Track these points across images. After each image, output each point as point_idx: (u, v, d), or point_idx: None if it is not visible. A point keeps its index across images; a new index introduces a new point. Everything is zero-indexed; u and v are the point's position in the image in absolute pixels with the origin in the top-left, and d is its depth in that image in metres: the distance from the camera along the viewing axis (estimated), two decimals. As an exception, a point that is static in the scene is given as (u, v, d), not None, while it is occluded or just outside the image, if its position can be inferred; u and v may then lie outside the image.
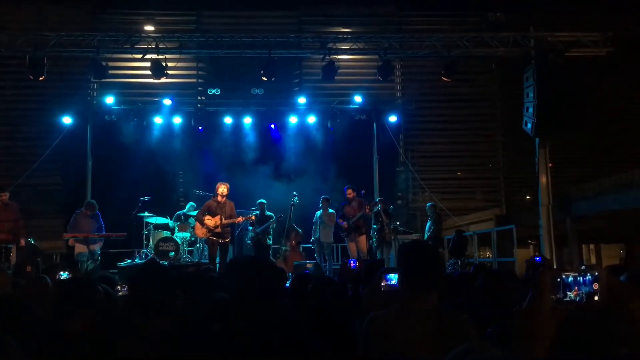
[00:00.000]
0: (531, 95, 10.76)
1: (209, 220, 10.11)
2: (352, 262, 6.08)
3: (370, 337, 2.50)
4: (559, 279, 1.12)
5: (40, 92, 14.12)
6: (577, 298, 1.11)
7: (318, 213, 11.32)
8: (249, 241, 11.38)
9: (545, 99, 10.52)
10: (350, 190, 10.95)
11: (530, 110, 10.77)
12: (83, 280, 3.07)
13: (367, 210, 10.67)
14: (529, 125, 10.88)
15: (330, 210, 11.21)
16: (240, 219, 10.47)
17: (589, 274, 1.12)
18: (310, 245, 11.92)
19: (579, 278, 1.12)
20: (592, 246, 15.55)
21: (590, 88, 12.18)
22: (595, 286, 1.11)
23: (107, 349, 2.41)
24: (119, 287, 3.00)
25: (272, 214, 11.23)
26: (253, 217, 10.79)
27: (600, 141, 15.30)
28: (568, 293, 1.12)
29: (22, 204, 10.62)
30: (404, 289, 2.58)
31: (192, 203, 11.91)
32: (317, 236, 11.27)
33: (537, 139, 11.32)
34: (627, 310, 1.08)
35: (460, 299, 3.88)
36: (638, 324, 1.07)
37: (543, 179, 11.31)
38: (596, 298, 1.11)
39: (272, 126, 14.02)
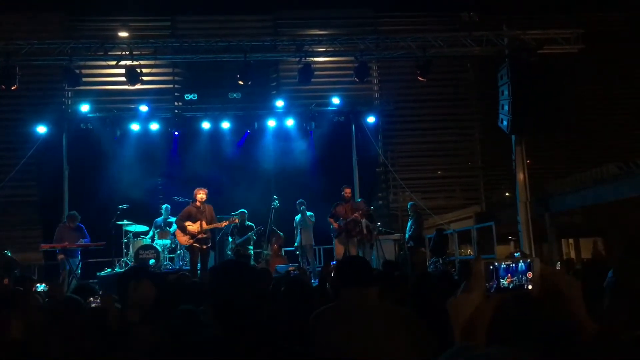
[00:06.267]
0: (506, 93, 10.87)
1: (191, 226, 10.00)
2: (334, 263, 6.07)
3: (314, 332, 2.64)
4: (491, 267, 1.13)
5: (13, 101, 13.90)
6: (511, 285, 1.12)
7: (297, 218, 11.27)
8: (228, 252, 11.28)
9: (520, 97, 10.63)
10: (348, 190, 10.73)
11: (506, 107, 10.88)
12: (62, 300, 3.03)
13: (356, 216, 10.52)
14: (505, 122, 10.99)
15: (309, 213, 11.15)
16: (224, 223, 10.38)
17: (522, 262, 1.13)
18: (292, 249, 11.87)
19: (512, 265, 1.12)
20: (571, 241, 15.76)
21: (564, 84, 12.37)
22: (529, 275, 1.12)
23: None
24: (91, 298, 2.94)
25: (252, 224, 11.16)
26: (236, 220, 10.68)
27: (576, 137, 15.55)
28: (502, 281, 1.13)
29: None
30: (339, 285, 2.83)
31: (166, 205, 11.78)
32: (299, 240, 11.19)
33: (513, 137, 11.44)
34: (562, 299, 1.08)
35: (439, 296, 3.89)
36: (574, 312, 1.08)
37: (520, 176, 11.42)
38: (530, 287, 1.12)
39: (247, 131, 13.91)
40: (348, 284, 2.73)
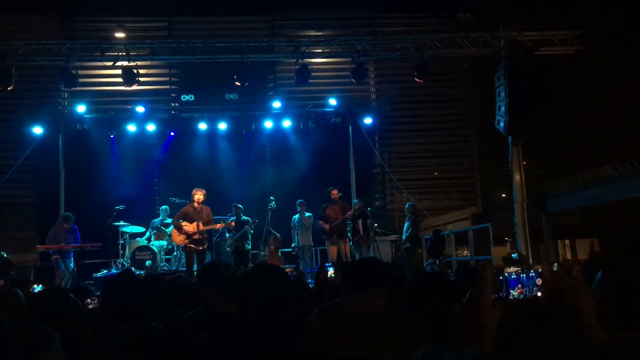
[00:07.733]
0: (503, 94, 10.90)
1: (187, 226, 10.00)
2: (327, 265, 6.07)
3: (310, 329, 2.64)
4: (501, 277, 1.12)
5: (10, 102, 13.85)
6: (521, 296, 1.11)
7: (295, 217, 11.27)
8: (228, 248, 11.29)
9: (517, 98, 10.65)
10: (335, 192, 10.80)
11: (502, 109, 10.91)
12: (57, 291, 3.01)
13: (348, 215, 10.63)
14: (501, 124, 11.01)
15: (307, 214, 11.16)
16: (219, 225, 10.37)
17: (532, 271, 1.12)
18: (289, 250, 11.86)
19: (522, 276, 1.12)
20: (567, 241, 15.77)
21: (561, 85, 12.41)
22: (539, 282, 1.12)
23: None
24: (89, 300, 2.92)
25: (248, 218, 11.17)
26: (232, 223, 10.70)
27: (572, 137, 15.57)
28: (511, 291, 1.12)
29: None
30: (344, 286, 2.83)
31: (165, 206, 11.77)
32: (296, 241, 11.19)
33: (509, 138, 11.46)
34: (571, 304, 1.08)
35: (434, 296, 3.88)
36: (583, 317, 1.08)
37: (517, 177, 11.45)
38: (539, 293, 1.11)
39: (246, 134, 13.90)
40: (357, 286, 2.72)
